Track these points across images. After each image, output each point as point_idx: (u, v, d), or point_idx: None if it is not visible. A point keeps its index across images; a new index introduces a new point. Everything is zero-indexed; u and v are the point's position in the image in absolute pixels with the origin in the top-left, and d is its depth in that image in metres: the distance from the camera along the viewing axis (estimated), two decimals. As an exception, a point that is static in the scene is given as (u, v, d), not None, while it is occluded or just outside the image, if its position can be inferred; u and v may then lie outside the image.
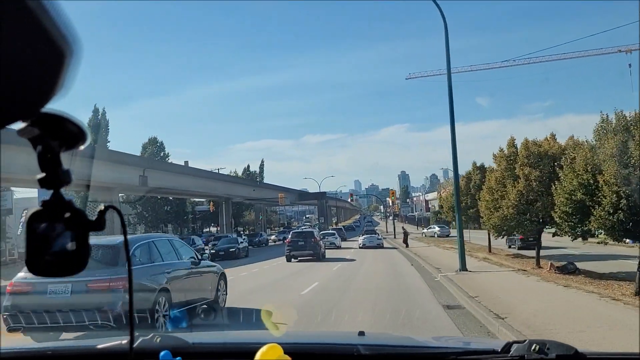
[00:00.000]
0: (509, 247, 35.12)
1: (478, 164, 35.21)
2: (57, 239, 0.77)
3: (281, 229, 79.25)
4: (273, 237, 62.62)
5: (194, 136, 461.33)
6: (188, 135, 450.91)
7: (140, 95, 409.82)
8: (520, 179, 21.87)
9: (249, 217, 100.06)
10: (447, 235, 57.96)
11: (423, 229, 70.53)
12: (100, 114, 60.93)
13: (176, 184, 46.83)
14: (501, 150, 23.98)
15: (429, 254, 29.87)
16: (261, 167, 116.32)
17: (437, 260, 24.97)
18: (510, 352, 1.87)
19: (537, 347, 1.81)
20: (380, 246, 40.38)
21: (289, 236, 31.62)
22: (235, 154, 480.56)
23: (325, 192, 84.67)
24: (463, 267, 19.13)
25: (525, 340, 1.90)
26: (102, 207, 0.85)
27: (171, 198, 76.35)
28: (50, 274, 0.80)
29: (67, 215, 0.78)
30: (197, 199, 69.85)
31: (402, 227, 53.26)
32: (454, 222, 72.38)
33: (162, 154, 71.90)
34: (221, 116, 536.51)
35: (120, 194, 42.95)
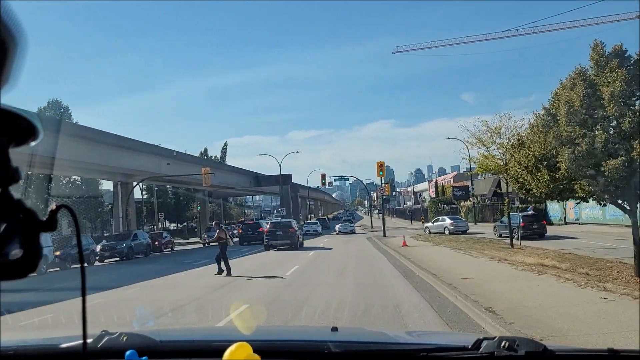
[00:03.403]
0: (500, 236, 29.62)
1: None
2: (6, 241, 0.69)
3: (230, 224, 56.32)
4: (204, 236, 39.70)
5: (176, 133, 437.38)
6: (170, 132, 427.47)
7: (121, 91, 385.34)
8: None
9: (199, 210, 77.96)
10: (465, 232, 36.68)
11: (424, 222, 48.94)
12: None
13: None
14: None
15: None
16: (223, 150, 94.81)
17: None
18: (480, 349, 1.78)
19: (507, 344, 1.73)
20: (353, 232, 45.18)
21: (267, 226, 30.62)
22: (219, 151, 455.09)
23: (289, 175, 62.30)
24: None
25: (495, 337, 1.81)
26: (53, 206, 0.75)
27: (76, 180, 54.13)
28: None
29: (17, 215, 0.70)
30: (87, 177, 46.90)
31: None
32: (462, 213, 50.62)
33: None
34: (204, 113, 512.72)
35: None
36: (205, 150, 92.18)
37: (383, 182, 38.44)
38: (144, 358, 1.76)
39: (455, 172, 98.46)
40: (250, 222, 41.74)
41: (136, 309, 9.47)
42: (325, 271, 15.57)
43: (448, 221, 38.10)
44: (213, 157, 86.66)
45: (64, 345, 2.00)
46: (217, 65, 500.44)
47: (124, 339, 1.93)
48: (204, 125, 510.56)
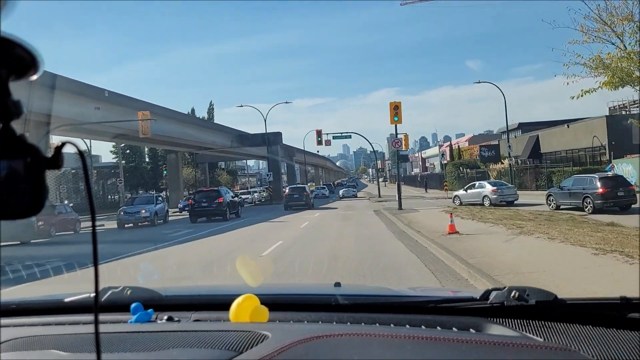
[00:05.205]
0: (557, 208, 21.34)
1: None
2: (10, 178, 0.66)
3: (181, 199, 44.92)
4: (120, 212, 27.44)
5: (180, 99, 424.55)
6: (174, 99, 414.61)
7: (125, 58, 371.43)
8: None
9: (189, 175, 66.83)
10: (512, 202, 25.54)
11: (446, 190, 37.55)
12: None
13: None
14: None
15: None
16: (210, 110, 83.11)
17: None
18: (490, 299, 1.70)
19: (517, 294, 1.66)
20: (354, 196, 49.67)
21: (287, 190, 35.89)
22: (222, 119, 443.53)
23: (279, 133, 50.14)
24: None
25: (504, 287, 1.70)
26: (59, 142, 0.70)
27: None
28: (3, 216, 0.67)
29: (20, 152, 0.67)
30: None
31: None
32: (492, 178, 39.44)
33: None
34: (208, 80, 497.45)
35: None
36: (193, 110, 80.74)
37: (397, 131, 26.72)
38: (149, 310, 1.71)
39: (471, 135, 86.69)
40: (206, 189, 30.40)
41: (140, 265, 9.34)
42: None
43: (489, 188, 26.65)
44: (201, 118, 75.17)
45: (68, 299, 1.93)
46: (224, 32, 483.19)
47: (128, 292, 1.86)
48: (208, 91, 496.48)
